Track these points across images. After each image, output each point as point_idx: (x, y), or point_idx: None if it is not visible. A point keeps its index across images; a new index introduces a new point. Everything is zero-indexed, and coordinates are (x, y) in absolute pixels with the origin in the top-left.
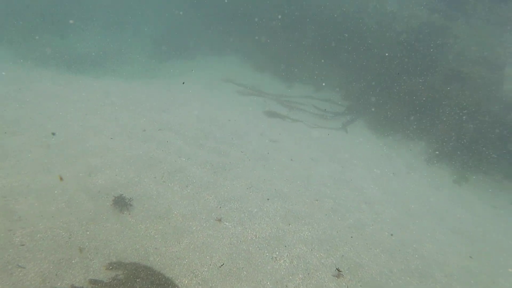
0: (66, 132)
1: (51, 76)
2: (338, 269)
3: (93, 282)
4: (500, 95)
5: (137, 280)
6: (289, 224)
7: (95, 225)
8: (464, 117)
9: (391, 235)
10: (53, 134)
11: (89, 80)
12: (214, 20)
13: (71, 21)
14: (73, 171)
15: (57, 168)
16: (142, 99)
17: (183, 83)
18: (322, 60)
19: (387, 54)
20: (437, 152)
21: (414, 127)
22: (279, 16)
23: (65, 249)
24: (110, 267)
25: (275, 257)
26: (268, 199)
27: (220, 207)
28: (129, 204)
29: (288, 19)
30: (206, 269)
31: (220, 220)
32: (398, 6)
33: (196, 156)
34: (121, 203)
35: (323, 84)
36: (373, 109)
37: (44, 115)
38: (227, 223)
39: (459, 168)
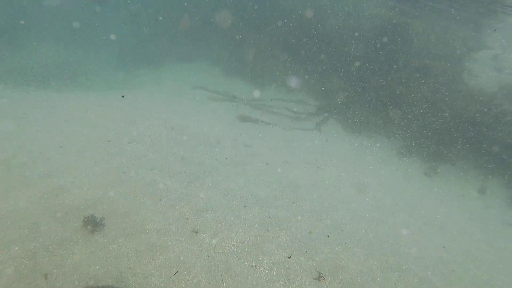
0: (28, 151)
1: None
2: (319, 273)
3: None
4: (460, 88)
5: None
6: (267, 230)
7: (63, 250)
8: (428, 110)
9: (367, 233)
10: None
11: (51, 94)
12: (180, 30)
13: (22, 22)
14: (37, 193)
15: (19, 191)
16: (108, 111)
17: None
18: (289, 59)
19: (353, 52)
20: (406, 145)
21: (383, 122)
22: (245, 17)
23: (29, 279)
24: None
25: (255, 266)
26: (245, 206)
27: (196, 218)
28: (101, 223)
29: (254, 21)
30: (184, 285)
31: (196, 232)
32: (361, 5)
33: (168, 168)
34: (92, 223)
35: (291, 86)
36: (343, 108)
37: None
38: (204, 235)
39: (428, 160)
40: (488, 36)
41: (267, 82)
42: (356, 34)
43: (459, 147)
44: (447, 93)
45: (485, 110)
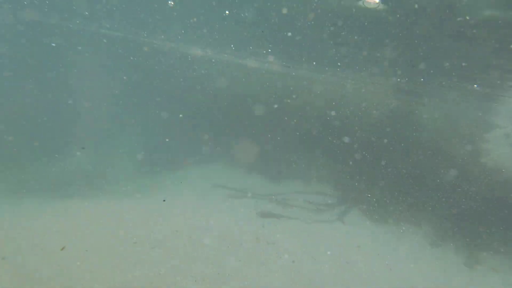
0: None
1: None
2: None
3: None
4: (480, 169)
5: None
6: None
7: None
8: (455, 194)
9: None
10: None
11: (77, 203)
12: (199, 129)
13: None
14: None
15: None
16: (129, 218)
17: (164, 200)
18: (305, 153)
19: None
20: (438, 233)
21: (409, 208)
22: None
23: None
24: None
25: None
26: None
27: None
28: None
29: (266, 116)
30: None
31: None
32: None
33: (190, 270)
34: None
35: (312, 178)
36: (368, 195)
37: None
38: None
39: (466, 248)
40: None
41: (284, 176)
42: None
43: (495, 230)
44: (468, 176)
45: None
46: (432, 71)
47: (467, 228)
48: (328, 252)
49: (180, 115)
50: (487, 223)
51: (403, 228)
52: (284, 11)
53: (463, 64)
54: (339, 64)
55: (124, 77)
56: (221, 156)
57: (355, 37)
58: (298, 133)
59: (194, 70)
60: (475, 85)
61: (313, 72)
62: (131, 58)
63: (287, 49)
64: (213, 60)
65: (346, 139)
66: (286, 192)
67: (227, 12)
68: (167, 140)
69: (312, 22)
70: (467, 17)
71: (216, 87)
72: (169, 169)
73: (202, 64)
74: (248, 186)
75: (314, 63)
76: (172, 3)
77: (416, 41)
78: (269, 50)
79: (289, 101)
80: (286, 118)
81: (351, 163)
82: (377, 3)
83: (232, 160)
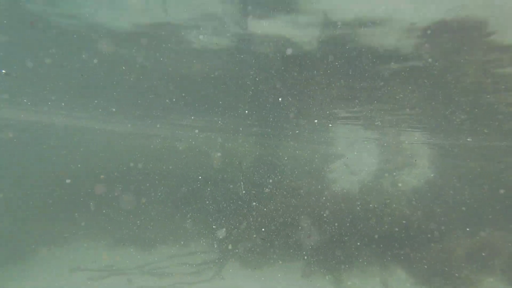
0: None
1: None
2: None
3: None
4: None
5: None
6: None
7: None
8: None
9: None
10: None
11: None
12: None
13: None
14: None
15: None
16: None
17: None
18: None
19: None
20: (308, 266)
21: (280, 249)
22: None
23: None
24: None
25: None
26: None
27: None
28: None
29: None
30: None
31: None
32: None
33: None
34: None
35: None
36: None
37: None
38: None
39: (331, 273)
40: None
41: (155, 242)
42: None
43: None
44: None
45: None
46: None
47: (330, 256)
48: None
49: None
50: (346, 248)
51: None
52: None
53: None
54: None
55: None
56: (78, 233)
57: None
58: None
59: None
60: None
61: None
62: None
63: None
64: None
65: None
66: (160, 260)
67: None
68: None
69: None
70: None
71: None
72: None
73: None
74: (114, 262)
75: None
76: None
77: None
78: None
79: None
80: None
81: (221, 216)
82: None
83: (93, 235)
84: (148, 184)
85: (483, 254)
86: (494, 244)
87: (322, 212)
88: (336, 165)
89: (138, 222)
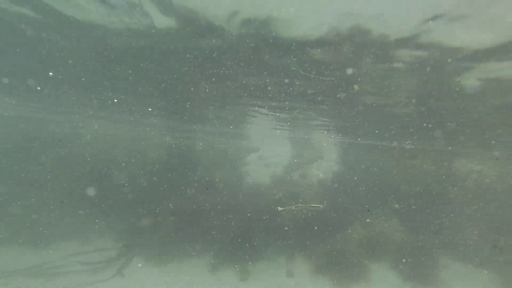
0: None
1: None
2: None
3: None
4: None
5: None
6: None
7: None
8: None
9: None
10: None
11: None
12: None
13: None
14: None
15: None
16: None
17: None
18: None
19: None
20: (217, 259)
21: (190, 242)
22: None
23: None
24: None
25: None
26: None
27: None
28: None
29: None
30: None
31: None
32: None
33: None
34: None
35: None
36: (150, 239)
37: None
38: None
39: (241, 264)
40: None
41: (52, 238)
42: None
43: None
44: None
45: None
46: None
47: (238, 249)
48: None
49: None
50: (253, 239)
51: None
52: None
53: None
54: None
55: None
56: None
57: None
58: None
59: None
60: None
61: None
62: None
63: None
64: None
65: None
66: (55, 259)
67: None
68: None
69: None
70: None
71: None
72: None
73: None
74: None
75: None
76: None
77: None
78: None
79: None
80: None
81: (129, 210)
82: None
83: None
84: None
85: (376, 242)
86: (385, 234)
87: (232, 205)
88: (251, 158)
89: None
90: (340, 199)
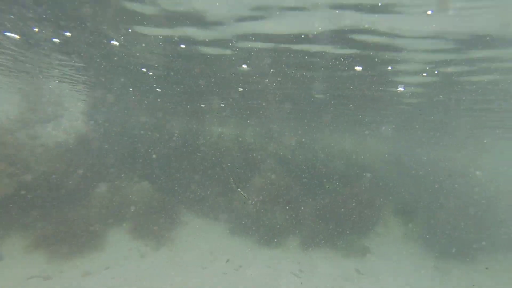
0: None
1: None
2: None
3: None
4: None
5: None
6: None
7: None
8: None
9: None
10: None
11: None
12: None
13: None
14: None
15: None
16: None
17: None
18: None
19: None
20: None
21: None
22: None
23: None
24: None
25: None
26: None
27: None
28: None
29: None
30: None
31: None
32: None
33: None
34: None
35: None
36: None
37: None
38: None
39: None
40: None
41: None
42: None
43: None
44: None
45: None
46: None
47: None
48: None
49: None
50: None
51: None
52: None
53: None
54: None
55: None
56: None
57: None
58: None
59: None
60: None
61: None
62: None
63: None
64: None
65: None
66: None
67: None
68: None
69: None
70: None
71: None
72: None
73: None
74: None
75: None
76: None
77: None
78: None
79: None
80: None
81: None
82: None
83: None
84: None
85: (121, 206)
86: (132, 197)
87: None
88: None
89: None
90: (84, 163)
